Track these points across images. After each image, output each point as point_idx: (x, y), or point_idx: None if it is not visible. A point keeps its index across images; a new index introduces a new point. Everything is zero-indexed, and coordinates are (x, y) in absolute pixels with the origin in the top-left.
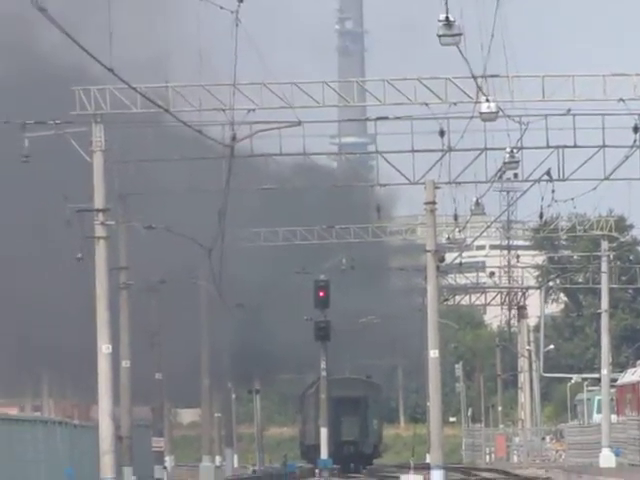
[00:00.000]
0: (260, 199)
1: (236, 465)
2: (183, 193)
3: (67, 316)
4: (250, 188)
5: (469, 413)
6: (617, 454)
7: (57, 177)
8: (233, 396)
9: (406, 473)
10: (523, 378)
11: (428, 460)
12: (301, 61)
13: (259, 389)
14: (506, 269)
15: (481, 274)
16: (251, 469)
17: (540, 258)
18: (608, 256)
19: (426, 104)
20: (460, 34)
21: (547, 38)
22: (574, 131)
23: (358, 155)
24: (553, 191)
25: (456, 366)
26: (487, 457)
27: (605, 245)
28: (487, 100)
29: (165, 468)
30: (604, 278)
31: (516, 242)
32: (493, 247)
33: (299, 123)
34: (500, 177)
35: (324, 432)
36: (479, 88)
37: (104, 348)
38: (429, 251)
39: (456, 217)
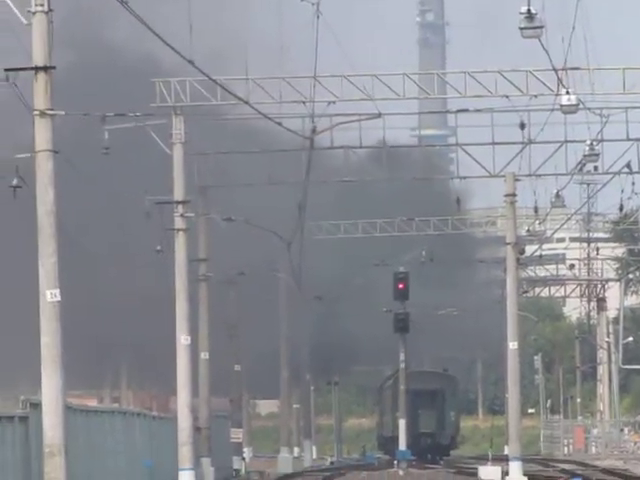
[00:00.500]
0: (339, 191)
1: (314, 456)
2: (262, 185)
3: (146, 308)
4: (330, 180)
5: (548, 405)
6: None
7: (137, 169)
8: (312, 388)
9: (484, 464)
10: (602, 370)
11: (506, 451)
12: (381, 53)
13: (337, 381)
14: (586, 261)
15: (561, 266)
16: (329, 460)
17: (620, 250)
18: None
19: (506, 96)
20: (542, 27)
21: (628, 30)
22: None
23: (438, 147)
24: (633, 183)
25: (535, 358)
26: (565, 449)
27: None
28: (567, 92)
29: (243, 459)
30: None
31: (596, 234)
32: (573, 239)
33: (379, 115)
34: (580, 170)
35: (402, 424)
36: (560, 80)
37: (183, 339)
38: (509, 243)
39: (536, 209)
